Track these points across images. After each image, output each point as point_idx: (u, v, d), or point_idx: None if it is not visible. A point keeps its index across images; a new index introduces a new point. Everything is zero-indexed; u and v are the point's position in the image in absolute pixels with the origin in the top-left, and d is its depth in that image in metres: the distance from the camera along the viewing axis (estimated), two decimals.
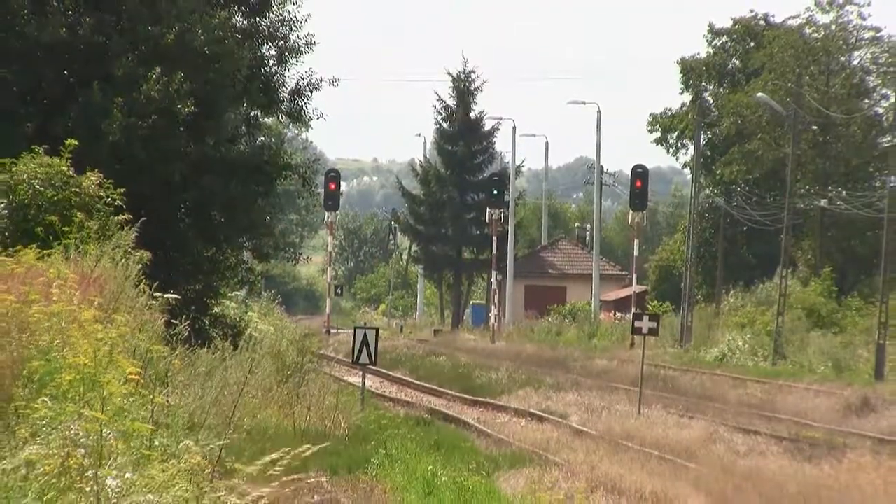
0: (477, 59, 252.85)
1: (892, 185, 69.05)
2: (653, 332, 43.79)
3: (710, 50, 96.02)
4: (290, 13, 44.22)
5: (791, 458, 30.79)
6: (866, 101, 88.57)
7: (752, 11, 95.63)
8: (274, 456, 12.49)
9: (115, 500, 10.56)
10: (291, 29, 44.24)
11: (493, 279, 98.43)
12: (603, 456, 28.86)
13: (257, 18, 44.22)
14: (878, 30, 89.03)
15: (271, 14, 44.14)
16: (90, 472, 10.65)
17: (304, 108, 45.25)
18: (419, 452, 27.76)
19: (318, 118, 46.93)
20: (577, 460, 27.87)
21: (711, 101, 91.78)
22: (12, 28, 39.75)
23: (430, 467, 25.12)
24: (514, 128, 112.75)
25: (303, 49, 44.35)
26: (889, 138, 76.43)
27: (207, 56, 41.07)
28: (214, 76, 41.16)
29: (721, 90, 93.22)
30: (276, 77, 44.24)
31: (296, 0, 44.22)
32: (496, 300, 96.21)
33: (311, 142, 54.87)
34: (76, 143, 30.16)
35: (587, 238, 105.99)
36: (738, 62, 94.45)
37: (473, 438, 32.80)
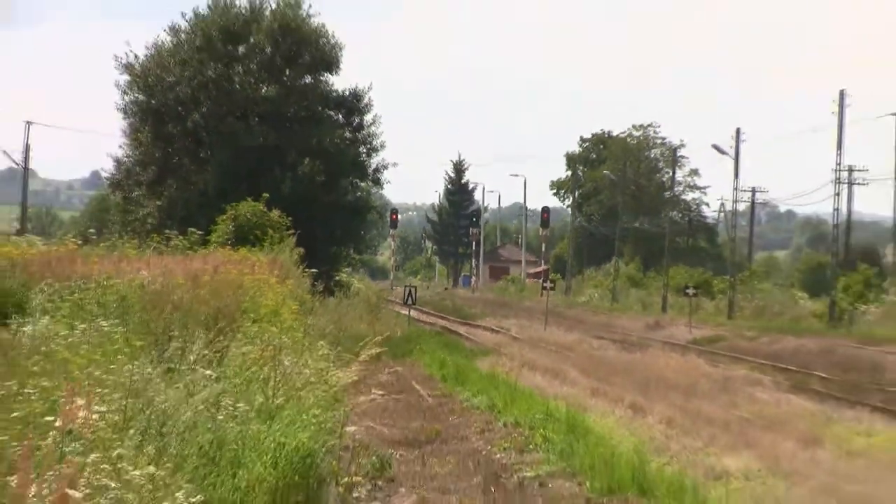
0: (466, 150, 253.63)
1: (671, 217, 68.97)
2: (552, 289, 44.10)
3: (580, 148, 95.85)
4: (373, 130, 44.16)
5: (620, 350, 30.76)
6: (658, 174, 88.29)
7: (601, 130, 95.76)
8: (371, 351, 12.50)
9: (287, 371, 10.53)
10: (374, 138, 44.16)
11: (473, 263, 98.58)
12: (527, 350, 28.85)
13: (357, 133, 44.12)
14: (664, 139, 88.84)
15: (364, 131, 44.04)
16: (274, 358, 10.62)
17: (380, 178, 45.14)
18: (436, 348, 27.74)
19: (387, 183, 47.00)
20: (514, 352, 27.81)
21: (582, 175, 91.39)
22: (234, 136, 39.87)
23: (442, 355, 25.11)
24: (484, 188, 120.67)
25: (379, 148, 44.25)
26: (669, 194, 76.26)
27: (332, 152, 41.09)
28: (335, 162, 41.17)
29: (586, 169, 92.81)
30: (365, 162, 44.11)
31: (375, 123, 44.21)
32: (475, 273, 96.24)
33: (384, 194, 55.26)
34: (267, 195, 30.22)
35: (520, 242, 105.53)
36: (594, 155, 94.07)
37: (463, 342, 32.70)
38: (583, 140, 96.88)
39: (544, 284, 44.18)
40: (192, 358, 9.22)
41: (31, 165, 59.58)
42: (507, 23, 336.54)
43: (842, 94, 47.11)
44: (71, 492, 4.25)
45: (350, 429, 12.35)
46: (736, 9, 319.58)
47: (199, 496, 6.19)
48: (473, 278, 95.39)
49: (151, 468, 5.76)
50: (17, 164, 58.32)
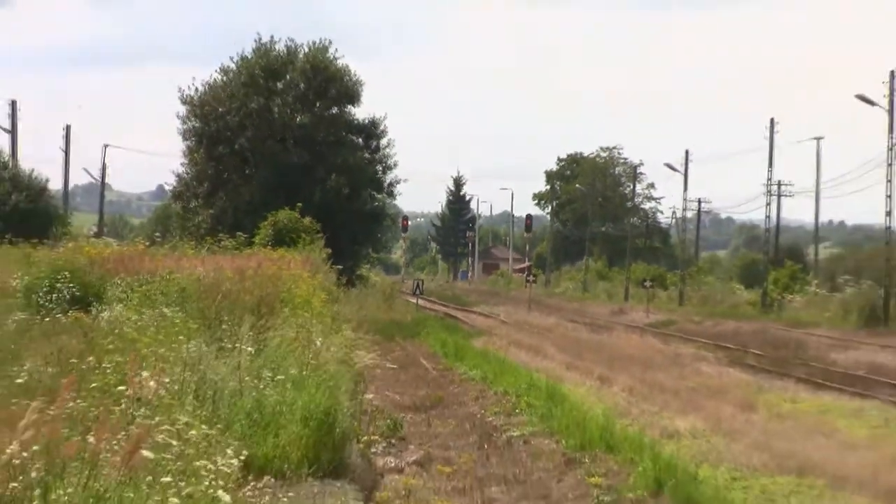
0: (464, 167, 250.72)
1: (632, 223, 68.77)
2: (534, 282, 44.05)
3: (557, 166, 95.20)
4: (387, 152, 43.97)
5: (590, 332, 30.73)
6: (621, 188, 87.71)
7: (575, 151, 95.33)
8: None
9: (317, 349, 10.50)
10: (388, 158, 43.97)
11: (469, 260, 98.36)
12: (514, 331, 28.83)
13: (374, 154, 43.95)
14: (626, 159, 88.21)
15: (380, 152, 43.85)
16: (307, 338, 10.59)
17: (394, 191, 44.95)
18: (439, 330, 27.66)
19: (399, 195, 46.78)
20: (503, 333, 27.82)
21: (558, 188, 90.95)
22: (274, 156, 39.82)
23: (443, 336, 25.05)
24: (478, 199, 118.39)
25: (392, 166, 44.05)
26: (630, 204, 76.00)
27: (354, 170, 40.95)
28: (357, 178, 41.04)
29: (562, 183, 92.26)
30: (381, 178, 43.92)
31: (390, 146, 44.05)
32: (472, 269, 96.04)
33: (396, 204, 54.19)
34: (301, 205, 30.15)
35: (508, 243, 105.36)
36: (569, 172, 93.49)
37: (461, 325, 32.63)
38: (559, 159, 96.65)
39: (528, 278, 44.21)
40: (239, 338, 9.20)
41: (108, 180, 59.64)
42: (503, 38, 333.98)
43: (772, 121, 47.06)
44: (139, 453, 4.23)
45: (368, 396, 12.35)
46: (697, 48, 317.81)
47: (245, 452, 6.17)
48: (470, 273, 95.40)
49: (206, 429, 5.75)
50: (95, 179, 58.52)
